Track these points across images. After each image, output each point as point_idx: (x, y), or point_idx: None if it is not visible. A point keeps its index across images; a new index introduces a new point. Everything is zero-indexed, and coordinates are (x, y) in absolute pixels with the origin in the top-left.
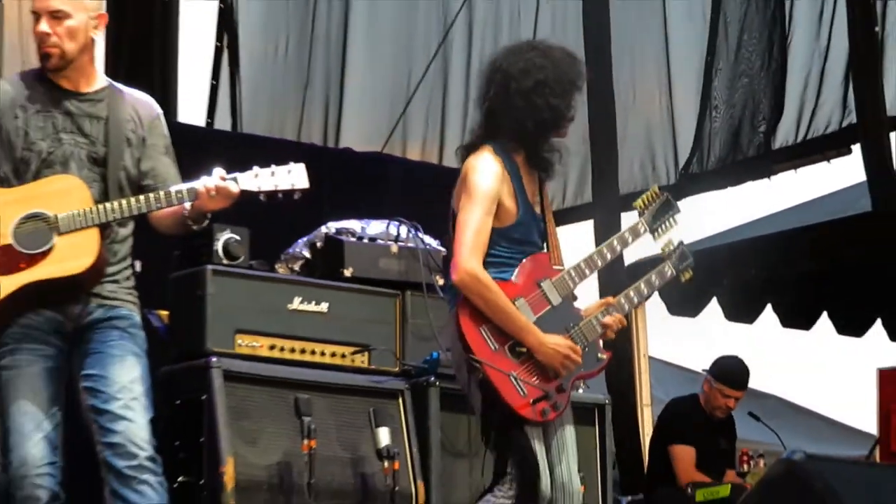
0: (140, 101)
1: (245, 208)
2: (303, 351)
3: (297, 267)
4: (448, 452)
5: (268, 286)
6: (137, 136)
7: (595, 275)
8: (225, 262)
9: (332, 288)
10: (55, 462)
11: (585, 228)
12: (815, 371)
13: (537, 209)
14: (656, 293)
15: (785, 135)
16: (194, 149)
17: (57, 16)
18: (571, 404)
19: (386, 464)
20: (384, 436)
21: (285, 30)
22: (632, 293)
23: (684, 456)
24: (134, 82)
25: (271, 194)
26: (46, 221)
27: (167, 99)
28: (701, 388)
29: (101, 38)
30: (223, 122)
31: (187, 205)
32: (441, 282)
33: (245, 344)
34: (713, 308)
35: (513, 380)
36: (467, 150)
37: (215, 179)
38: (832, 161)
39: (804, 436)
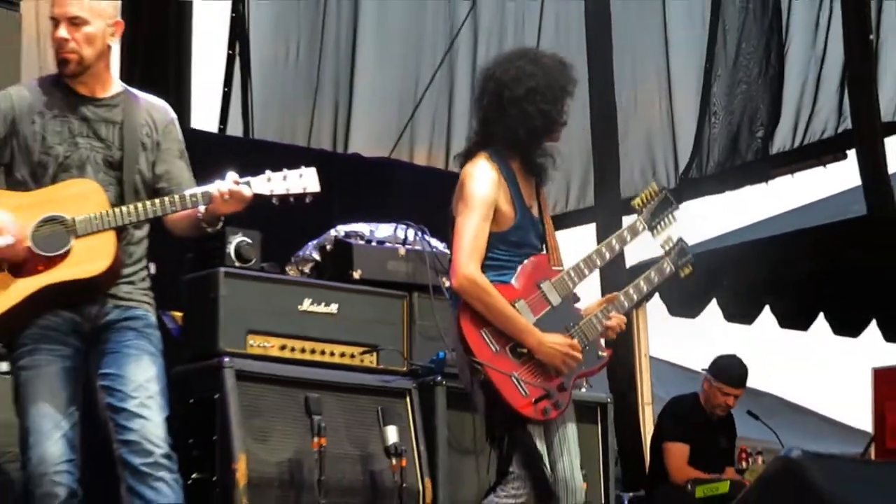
0: (155, 106)
1: (257, 212)
2: (313, 351)
3: (307, 269)
4: (454, 450)
5: (279, 288)
6: (152, 141)
7: (597, 277)
8: (237, 264)
9: (341, 290)
10: (73, 459)
11: (588, 231)
12: (812, 371)
13: (534, 212)
14: (657, 294)
15: (782, 140)
16: (207, 154)
17: (75, 22)
18: (574, 403)
19: (394, 461)
20: (392, 434)
21: (296, 39)
22: (631, 291)
23: (677, 453)
24: (148, 84)
25: (283, 198)
26: (64, 224)
27: (181, 104)
28: (701, 387)
29: (117, 45)
30: (235, 129)
31: (201, 208)
32: (447, 284)
33: (257, 344)
34: (713, 309)
35: (514, 380)
36: (464, 157)
37: (229, 183)
38: (828, 166)
39: (801, 434)
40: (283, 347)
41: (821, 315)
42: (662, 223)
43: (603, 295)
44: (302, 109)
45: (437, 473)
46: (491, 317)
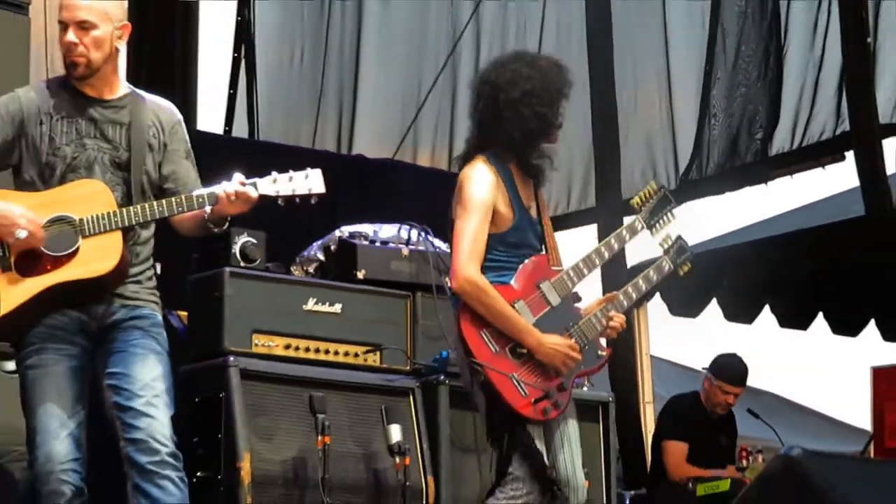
0: (161, 108)
1: (262, 212)
2: (317, 350)
3: (311, 269)
4: (457, 448)
5: (283, 288)
6: (159, 142)
7: (598, 278)
8: (242, 264)
9: (345, 289)
10: (79, 458)
11: (589, 232)
12: (812, 370)
13: (533, 213)
14: (658, 294)
15: (781, 142)
16: (213, 156)
17: (84, 26)
18: (575, 402)
19: (397, 459)
20: (395, 432)
21: (300, 41)
22: (631, 290)
23: (675, 451)
24: (154, 86)
25: (289, 199)
26: (72, 224)
27: (187, 106)
28: (701, 386)
29: (124, 47)
30: (241, 130)
31: (208, 209)
32: (449, 284)
33: (261, 343)
34: (713, 309)
35: (514, 381)
36: (462, 160)
37: (235, 185)
38: (827, 167)
39: (801, 432)
40: (287, 347)
41: (820, 315)
42: (661, 221)
43: (604, 294)
44: (306, 112)
45: (440, 472)
46: (491, 318)
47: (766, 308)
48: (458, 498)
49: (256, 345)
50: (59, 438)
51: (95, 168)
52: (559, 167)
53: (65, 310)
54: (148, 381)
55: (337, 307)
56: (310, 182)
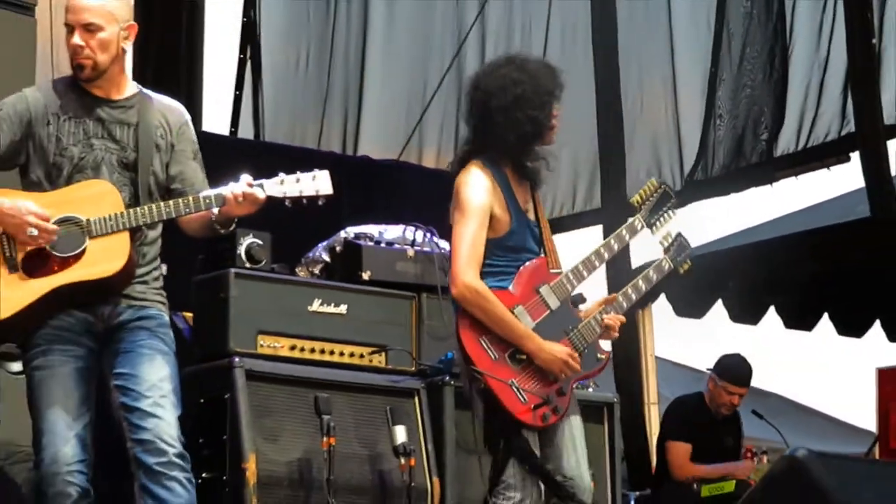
0: (169, 108)
1: (267, 213)
2: (322, 351)
3: (317, 270)
4: (462, 449)
5: (289, 289)
6: (166, 142)
7: (604, 279)
8: (247, 265)
9: (350, 290)
10: (85, 459)
11: (595, 233)
12: (817, 371)
13: (531, 216)
14: (663, 295)
15: (786, 143)
16: (219, 157)
17: (90, 28)
18: (581, 403)
19: (402, 460)
20: (401, 433)
21: (306, 43)
22: (630, 291)
23: (678, 452)
24: (160, 86)
25: (296, 200)
26: (79, 225)
27: (192, 107)
28: (705, 387)
29: (130, 48)
30: (246, 132)
31: (215, 210)
32: None
33: (267, 344)
34: (718, 310)
35: (513, 388)
36: (458, 166)
37: (242, 186)
38: (832, 168)
39: (806, 433)
40: (292, 348)
41: (825, 316)
42: (661, 219)
43: (609, 293)
44: (312, 113)
45: (445, 472)
46: (490, 323)
47: (772, 309)
48: (463, 499)
49: (262, 346)
50: (66, 440)
51: (103, 168)
52: (564, 168)
53: (71, 311)
54: (155, 381)
55: (342, 308)
56: (317, 183)
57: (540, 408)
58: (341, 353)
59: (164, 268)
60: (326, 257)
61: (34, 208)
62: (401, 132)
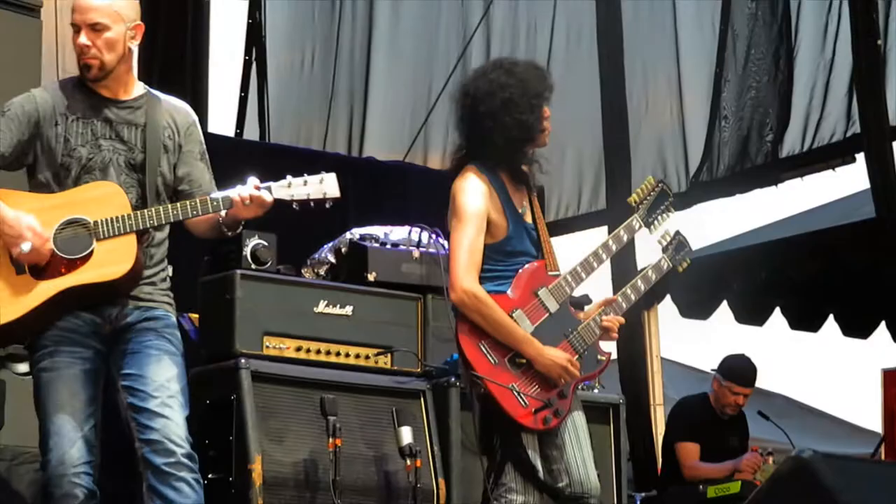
0: (176, 108)
1: (272, 215)
2: (328, 352)
3: (322, 271)
4: (468, 450)
5: (294, 290)
6: (174, 143)
7: (609, 280)
8: (253, 266)
9: (356, 292)
10: (92, 461)
11: (600, 234)
12: (823, 372)
13: (527, 218)
14: (669, 296)
15: (791, 144)
16: (224, 158)
17: (96, 28)
18: (586, 404)
19: (408, 461)
20: (406, 434)
21: (311, 44)
22: (629, 291)
23: (688, 452)
24: (166, 87)
25: (304, 203)
26: (86, 227)
27: (198, 108)
28: (710, 388)
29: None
30: (252, 133)
31: (222, 212)
32: None
33: (272, 346)
34: (724, 311)
35: (514, 392)
36: (453, 172)
37: (249, 189)
38: (837, 169)
39: (812, 434)
40: (298, 349)
41: (830, 317)
42: (659, 218)
43: (614, 293)
44: (317, 115)
45: (451, 474)
46: (489, 328)
47: (777, 310)
48: (469, 500)
49: (267, 347)
50: (72, 441)
51: (110, 169)
52: (569, 170)
53: (78, 312)
54: (163, 381)
55: (348, 309)
56: (325, 186)
57: (541, 411)
58: (347, 355)
59: (169, 269)
60: (332, 258)
61: (33, 224)
62: (406, 133)
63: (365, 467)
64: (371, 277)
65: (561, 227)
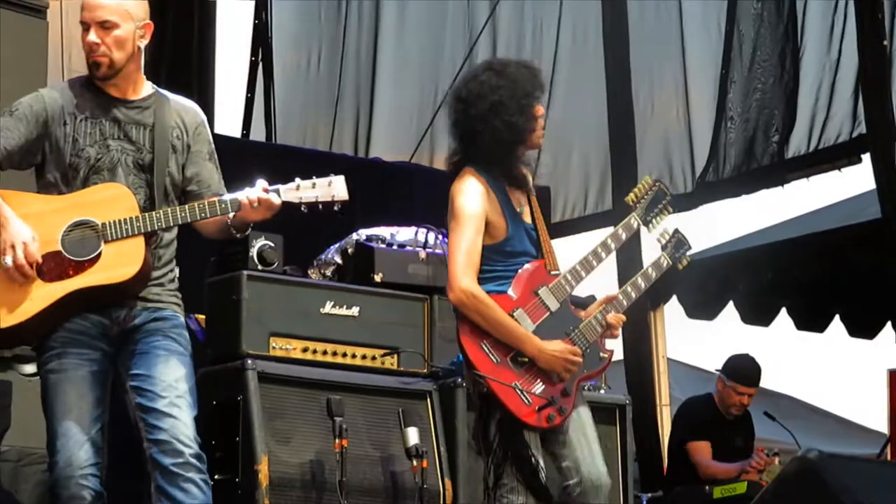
0: (185, 108)
1: (280, 216)
2: (334, 353)
3: (329, 272)
4: (474, 451)
5: (301, 291)
6: (182, 143)
7: (615, 279)
8: (260, 267)
9: (362, 292)
10: (99, 463)
11: (606, 235)
12: (829, 372)
13: (526, 218)
14: (675, 297)
15: (797, 145)
16: (231, 159)
17: (105, 26)
18: (593, 405)
19: (415, 462)
20: (413, 435)
21: (317, 45)
22: (630, 289)
23: (702, 451)
24: (172, 89)
25: (312, 205)
26: (94, 229)
27: (204, 109)
28: (715, 388)
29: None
30: (258, 134)
31: (231, 214)
32: None
33: (279, 346)
34: (730, 311)
35: (517, 390)
36: (451, 175)
37: (258, 191)
38: (843, 170)
39: (818, 435)
40: (305, 350)
41: (836, 317)
42: (658, 217)
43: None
44: (323, 116)
45: (458, 475)
46: (490, 328)
47: (783, 311)
48: (476, 500)
49: (274, 348)
50: (80, 443)
51: (118, 170)
52: (575, 171)
53: (86, 314)
54: (171, 381)
55: (354, 310)
56: (333, 189)
57: (544, 409)
58: (353, 356)
59: (176, 270)
60: (338, 259)
61: (28, 240)
62: (412, 134)
63: (371, 468)
64: (377, 278)
65: (567, 227)
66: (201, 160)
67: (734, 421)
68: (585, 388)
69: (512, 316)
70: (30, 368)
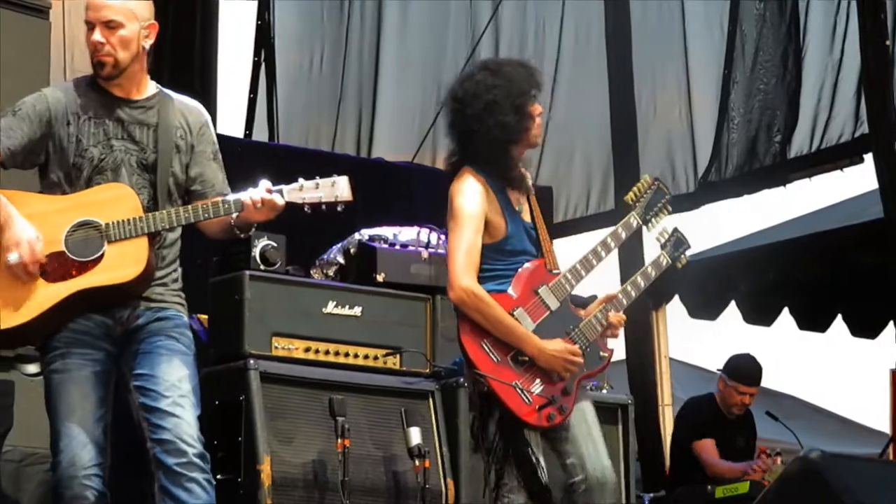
0: (189, 108)
1: (282, 216)
2: (337, 353)
3: (331, 272)
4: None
5: (303, 291)
6: (186, 143)
7: (617, 271)
8: (262, 267)
9: (365, 292)
10: (102, 463)
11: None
12: (831, 372)
13: (525, 217)
14: (677, 297)
15: (800, 145)
16: (234, 159)
17: (110, 26)
18: (595, 405)
19: (417, 462)
20: (415, 435)
21: (320, 45)
22: (629, 288)
23: (708, 450)
24: (174, 89)
25: (315, 206)
26: (97, 229)
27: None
28: (716, 388)
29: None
30: (261, 134)
31: (234, 214)
32: None
33: (281, 346)
34: (732, 311)
35: (517, 389)
36: (450, 175)
37: (261, 192)
38: (845, 170)
39: (820, 434)
40: (307, 349)
41: (839, 317)
42: (657, 216)
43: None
44: (326, 116)
45: (460, 474)
46: (490, 327)
47: (785, 310)
48: (478, 500)
49: (276, 348)
50: (83, 443)
51: (122, 170)
52: (578, 171)
53: (89, 314)
54: (174, 381)
55: (356, 310)
56: (336, 189)
57: (545, 408)
58: (356, 355)
59: (179, 270)
60: (341, 259)
61: (33, 239)
62: (415, 134)
63: (373, 468)
64: (380, 278)
65: (569, 227)
66: (205, 160)
67: (736, 420)
68: (588, 387)
69: (512, 315)
70: (32, 368)
